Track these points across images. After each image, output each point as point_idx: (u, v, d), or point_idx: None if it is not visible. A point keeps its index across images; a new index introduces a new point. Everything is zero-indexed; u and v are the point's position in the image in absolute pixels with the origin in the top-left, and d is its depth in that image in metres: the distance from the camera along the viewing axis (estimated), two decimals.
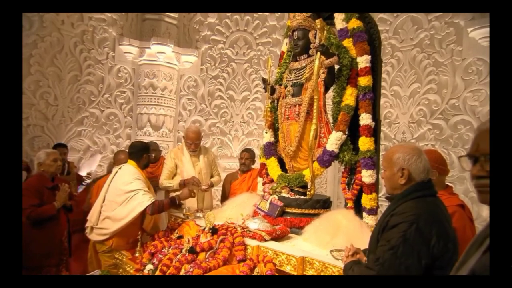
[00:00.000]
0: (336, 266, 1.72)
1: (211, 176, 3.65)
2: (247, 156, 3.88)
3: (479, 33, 3.95)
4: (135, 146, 3.06)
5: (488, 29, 3.84)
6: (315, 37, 2.61)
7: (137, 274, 2.27)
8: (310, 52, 2.67)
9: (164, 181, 3.50)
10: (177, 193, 3.06)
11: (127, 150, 4.31)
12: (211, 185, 3.57)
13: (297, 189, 2.64)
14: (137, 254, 2.60)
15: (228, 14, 5.71)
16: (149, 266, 2.21)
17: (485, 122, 0.91)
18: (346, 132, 2.50)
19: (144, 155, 2.97)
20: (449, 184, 2.32)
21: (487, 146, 0.85)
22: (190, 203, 3.40)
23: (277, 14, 5.70)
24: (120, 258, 2.70)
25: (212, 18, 5.69)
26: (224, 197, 3.88)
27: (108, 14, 5.11)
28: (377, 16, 4.69)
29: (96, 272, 2.69)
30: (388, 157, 1.53)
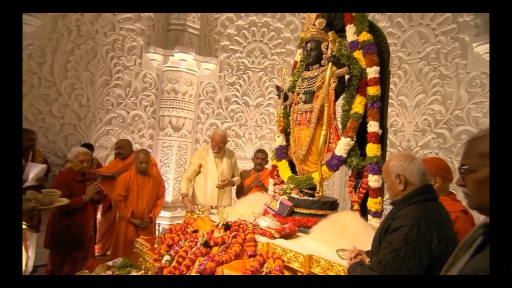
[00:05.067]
0: (341, 265, 1.67)
1: (232, 176, 3.68)
2: (262, 156, 3.87)
3: (483, 48, 3.84)
4: None
5: None
6: (327, 48, 2.57)
7: (155, 264, 2.27)
8: (322, 62, 2.63)
9: (184, 179, 3.55)
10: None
11: (148, 150, 4.29)
12: (232, 184, 3.61)
13: (306, 190, 2.60)
14: (155, 245, 2.61)
15: (246, 26, 5.72)
16: (166, 257, 2.21)
17: (471, 136, 0.95)
18: (354, 139, 2.45)
19: None
20: (452, 191, 2.24)
21: (463, 159, 0.93)
22: (210, 202, 3.39)
23: (291, 27, 5.67)
24: (140, 248, 2.72)
25: (231, 29, 5.70)
26: (238, 190, 3.89)
27: (137, 25, 5.19)
28: (386, 30, 4.61)
29: (118, 260, 2.71)
30: (385, 168, 1.53)
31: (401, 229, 1.30)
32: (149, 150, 5.02)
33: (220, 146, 3.52)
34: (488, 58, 3.84)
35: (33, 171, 3.31)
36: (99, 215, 4.19)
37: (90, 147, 4.16)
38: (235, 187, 3.91)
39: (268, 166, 3.75)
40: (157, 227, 2.94)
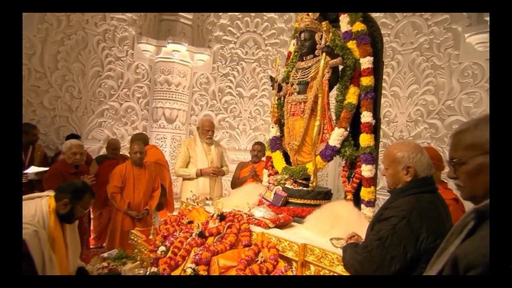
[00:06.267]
0: (335, 253, 1.70)
1: (221, 166, 3.70)
2: (260, 148, 3.88)
3: (475, 39, 3.86)
4: (64, 184, 2.07)
5: (484, 35, 3.74)
6: (321, 39, 2.56)
7: (151, 254, 2.28)
8: (316, 52, 2.62)
9: (179, 169, 3.57)
10: None
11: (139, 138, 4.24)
12: (223, 173, 3.63)
13: (300, 181, 2.61)
14: (151, 237, 2.61)
15: (239, 16, 5.64)
16: (162, 248, 2.21)
17: (456, 129, 0.94)
18: (348, 129, 2.46)
19: (64, 199, 1.97)
20: (443, 180, 2.28)
21: (452, 152, 0.94)
22: (203, 191, 3.43)
23: (285, 17, 5.62)
24: (135, 239, 2.72)
25: (224, 19, 5.63)
26: (234, 181, 3.91)
27: (128, 15, 5.08)
28: (379, 21, 4.59)
29: (114, 252, 2.71)
30: (390, 155, 1.47)
31: (391, 219, 1.31)
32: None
33: (212, 130, 3.56)
34: (480, 49, 3.86)
35: (34, 170, 3.30)
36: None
37: (75, 138, 4.11)
38: (230, 178, 3.92)
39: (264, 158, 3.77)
40: (152, 219, 2.94)
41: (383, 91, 4.09)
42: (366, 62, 2.44)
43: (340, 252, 1.62)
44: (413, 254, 1.25)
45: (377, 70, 2.50)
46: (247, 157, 4.82)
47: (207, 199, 3.04)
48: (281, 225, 2.17)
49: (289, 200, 2.45)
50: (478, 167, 0.86)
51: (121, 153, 4.34)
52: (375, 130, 2.46)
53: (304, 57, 2.70)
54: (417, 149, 1.43)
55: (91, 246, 3.78)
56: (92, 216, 4.00)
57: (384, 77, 4.45)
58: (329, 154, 2.44)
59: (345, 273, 1.60)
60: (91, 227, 3.98)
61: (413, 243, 1.25)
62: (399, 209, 1.33)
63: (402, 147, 1.46)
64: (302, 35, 2.64)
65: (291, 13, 5.55)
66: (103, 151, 4.77)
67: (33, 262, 1.77)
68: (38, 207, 1.90)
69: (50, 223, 1.91)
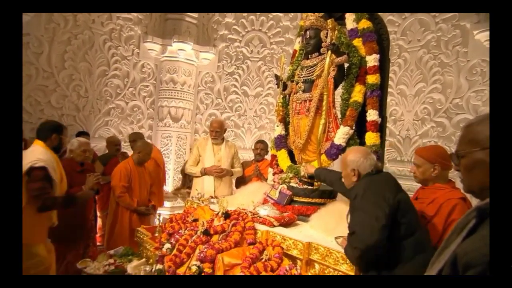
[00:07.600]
0: (339, 252, 1.69)
1: (232, 167, 3.68)
2: (262, 147, 3.90)
3: (484, 36, 3.80)
4: (43, 124, 2.56)
5: None
6: (326, 37, 2.54)
7: (156, 252, 2.29)
8: (321, 50, 2.60)
9: (189, 167, 3.65)
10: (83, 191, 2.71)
11: (141, 138, 4.26)
12: (230, 174, 3.62)
13: (305, 179, 2.60)
14: (156, 234, 2.63)
15: (244, 14, 5.64)
16: (167, 245, 2.22)
17: (466, 122, 0.97)
18: (353, 127, 2.44)
19: (53, 134, 2.45)
20: (451, 179, 2.25)
21: (457, 144, 0.97)
22: (207, 189, 3.44)
23: (290, 15, 5.60)
24: (141, 237, 2.74)
25: (229, 18, 5.63)
26: (239, 181, 3.91)
27: (134, 14, 5.12)
28: (386, 18, 4.55)
29: (120, 249, 2.73)
30: (343, 159, 1.80)
31: (357, 195, 1.57)
32: (149, 140, 5.02)
33: (217, 131, 3.56)
34: (488, 46, 3.80)
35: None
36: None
37: (85, 135, 4.20)
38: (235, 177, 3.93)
39: (268, 157, 3.77)
40: (157, 217, 2.95)
41: (389, 89, 4.06)
42: (372, 60, 2.43)
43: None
44: (387, 209, 1.45)
45: (383, 68, 2.48)
46: (253, 156, 4.82)
47: (212, 197, 3.05)
48: (286, 224, 2.16)
49: (294, 199, 2.45)
50: (474, 162, 0.87)
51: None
52: (381, 128, 2.44)
53: (309, 55, 2.69)
54: (362, 154, 1.72)
55: (97, 243, 3.82)
56: (98, 215, 4.04)
57: (391, 75, 4.43)
58: (334, 152, 2.43)
59: (350, 272, 1.61)
60: (98, 225, 4.02)
61: (382, 200, 1.48)
62: (358, 187, 1.61)
63: (350, 153, 1.78)
64: (307, 33, 2.63)
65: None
66: None
67: (55, 183, 2.20)
68: (33, 152, 2.24)
69: (55, 157, 2.36)
